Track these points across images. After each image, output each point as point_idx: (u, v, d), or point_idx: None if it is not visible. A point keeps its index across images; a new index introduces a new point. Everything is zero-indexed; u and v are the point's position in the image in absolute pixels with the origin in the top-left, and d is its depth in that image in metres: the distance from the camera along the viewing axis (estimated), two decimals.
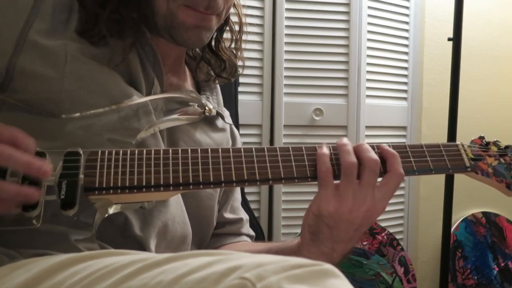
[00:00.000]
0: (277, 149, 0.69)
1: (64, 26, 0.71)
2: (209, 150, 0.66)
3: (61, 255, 0.53)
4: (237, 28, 0.92)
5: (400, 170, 0.70)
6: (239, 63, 0.94)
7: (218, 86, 0.95)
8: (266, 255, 0.44)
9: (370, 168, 0.68)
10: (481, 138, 0.80)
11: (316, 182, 0.69)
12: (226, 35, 0.92)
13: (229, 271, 0.41)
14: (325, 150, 0.70)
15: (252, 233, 0.97)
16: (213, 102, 0.90)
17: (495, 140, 0.80)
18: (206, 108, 0.83)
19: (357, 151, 0.69)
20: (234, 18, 0.92)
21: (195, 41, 0.78)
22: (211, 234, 0.89)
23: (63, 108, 0.67)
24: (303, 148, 0.70)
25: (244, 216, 0.96)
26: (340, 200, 0.67)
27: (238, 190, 0.97)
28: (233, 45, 0.92)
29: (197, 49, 0.93)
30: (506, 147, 0.80)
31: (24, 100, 0.67)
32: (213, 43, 0.90)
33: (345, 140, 0.71)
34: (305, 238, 0.71)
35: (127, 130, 0.70)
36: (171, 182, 0.62)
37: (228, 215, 0.93)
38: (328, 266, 0.43)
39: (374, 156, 0.69)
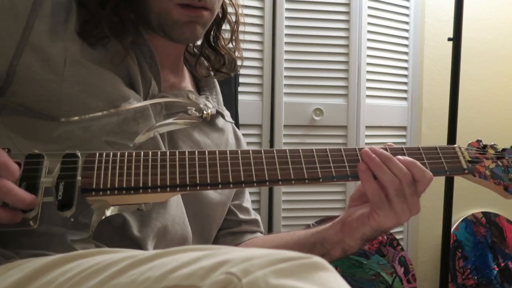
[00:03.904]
0: (274, 151, 0.69)
1: (63, 26, 0.71)
2: (207, 152, 0.66)
3: (55, 255, 0.54)
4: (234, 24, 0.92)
5: (427, 176, 0.72)
6: (239, 60, 0.94)
7: (217, 85, 0.95)
8: (256, 249, 0.44)
9: (408, 182, 0.71)
10: (478, 141, 0.80)
11: (312, 183, 0.69)
12: (226, 34, 0.93)
13: (216, 266, 0.41)
14: (368, 175, 0.71)
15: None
16: (213, 101, 0.90)
17: (492, 143, 0.80)
18: (204, 112, 0.83)
19: (406, 164, 0.72)
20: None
21: (189, 36, 0.79)
22: (215, 233, 0.89)
23: (62, 111, 0.67)
24: (300, 150, 0.70)
25: (256, 216, 0.97)
26: (398, 216, 0.71)
27: (246, 190, 0.98)
28: (231, 39, 0.93)
29: (196, 46, 0.93)
30: (503, 149, 0.80)
31: (24, 103, 0.68)
32: (211, 39, 0.91)
33: (373, 155, 0.72)
34: (355, 238, 0.76)
35: (126, 133, 0.70)
36: (168, 184, 0.62)
37: (242, 215, 0.94)
38: (317, 259, 0.42)
39: (406, 171, 0.71)
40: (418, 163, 0.72)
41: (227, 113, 0.94)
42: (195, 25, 0.77)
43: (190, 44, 0.92)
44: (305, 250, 0.80)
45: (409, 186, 0.71)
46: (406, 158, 0.73)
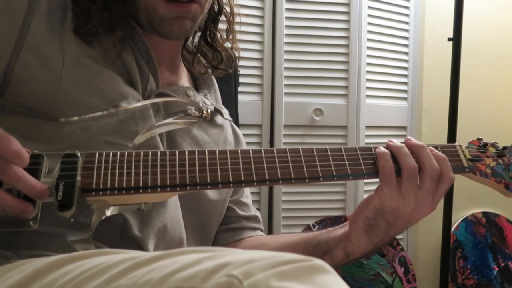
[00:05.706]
0: (274, 150, 0.69)
1: (60, 25, 0.71)
2: (207, 152, 0.66)
3: (55, 256, 0.54)
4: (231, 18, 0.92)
5: (451, 175, 0.72)
6: (236, 53, 0.94)
7: (215, 83, 0.95)
8: (257, 251, 0.43)
9: (433, 176, 0.70)
10: (479, 139, 0.80)
11: (313, 182, 0.68)
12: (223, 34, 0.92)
13: (217, 268, 0.40)
14: (385, 149, 0.72)
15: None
16: (211, 99, 0.90)
17: (493, 141, 0.80)
18: (204, 112, 0.83)
19: (418, 155, 0.72)
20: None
21: (178, 32, 0.78)
22: (215, 229, 0.89)
23: (61, 111, 0.67)
24: (300, 149, 0.70)
25: (256, 212, 0.97)
26: (404, 200, 0.70)
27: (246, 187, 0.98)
28: (227, 32, 0.92)
29: (194, 43, 0.93)
30: (504, 148, 0.79)
31: (22, 103, 0.67)
32: (208, 36, 0.90)
33: (399, 143, 0.73)
34: (358, 228, 0.75)
35: (125, 133, 0.70)
36: (168, 184, 0.62)
37: (242, 211, 0.93)
38: (318, 262, 0.42)
39: (436, 164, 0.71)
40: (447, 160, 0.73)
41: (225, 111, 0.94)
42: (183, 20, 0.76)
43: (188, 42, 0.92)
44: (309, 248, 0.81)
45: (432, 181, 0.71)
46: (438, 152, 0.73)
